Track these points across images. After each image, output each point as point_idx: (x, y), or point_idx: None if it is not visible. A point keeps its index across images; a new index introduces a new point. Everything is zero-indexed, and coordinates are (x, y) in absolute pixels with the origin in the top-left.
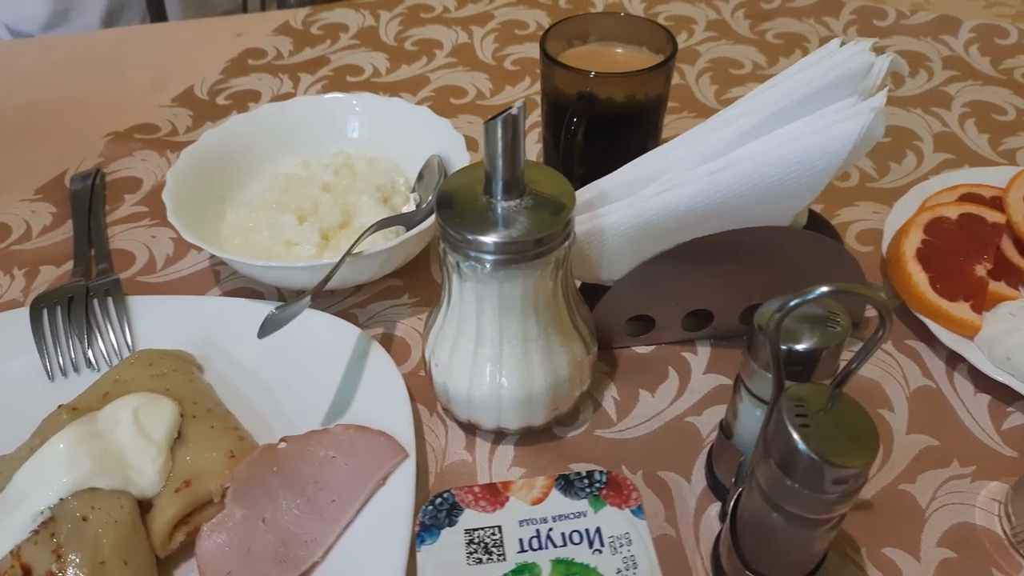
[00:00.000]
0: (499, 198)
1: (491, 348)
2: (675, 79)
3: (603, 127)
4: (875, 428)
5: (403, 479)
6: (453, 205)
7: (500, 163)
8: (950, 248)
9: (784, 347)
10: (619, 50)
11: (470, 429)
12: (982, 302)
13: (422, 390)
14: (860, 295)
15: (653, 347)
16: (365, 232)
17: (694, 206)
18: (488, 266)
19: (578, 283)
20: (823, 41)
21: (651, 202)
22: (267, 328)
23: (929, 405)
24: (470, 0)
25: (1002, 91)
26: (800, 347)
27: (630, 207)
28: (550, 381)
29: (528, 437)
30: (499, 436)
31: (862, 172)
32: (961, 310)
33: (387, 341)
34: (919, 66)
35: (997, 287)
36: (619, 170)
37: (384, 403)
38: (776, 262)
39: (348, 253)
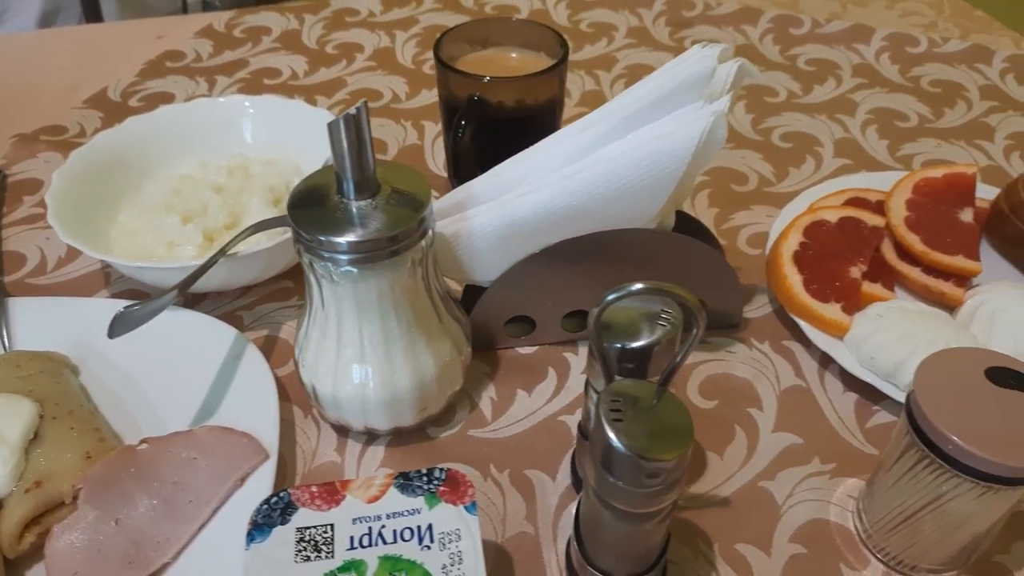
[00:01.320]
0: (351, 198)
1: (352, 349)
2: (591, 85)
3: (495, 130)
4: (691, 425)
5: (261, 480)
6: (305, 206)
7: (348, 163)
8: (827, 251)
9: (618, 345)
10: (514, 55)
11: (342, 431)
12: (854, 303)
13: (300, 391)
14: (671, 294)
15: (536, 348)
16: (242, 233)
17: (553, 208)
18: (341, 266)
19: (462, 285)
20: (740, 50)
21: (514, 204)
22: (116, 327)
23: (798, 404)
24: (396, 4)
25: (907, 98)
26: (632, 344)
27: (495, 209)
28: (415, 382)
29: (400, 438)
30: (371, 437)
31: (760, 176)
32: (832, 311)
33: (271, 343)
34: (828, 74)
35: (873, 288)
36: (489, 172)
37: (253, 404)
38: (648, 263)
39: (221, 253)
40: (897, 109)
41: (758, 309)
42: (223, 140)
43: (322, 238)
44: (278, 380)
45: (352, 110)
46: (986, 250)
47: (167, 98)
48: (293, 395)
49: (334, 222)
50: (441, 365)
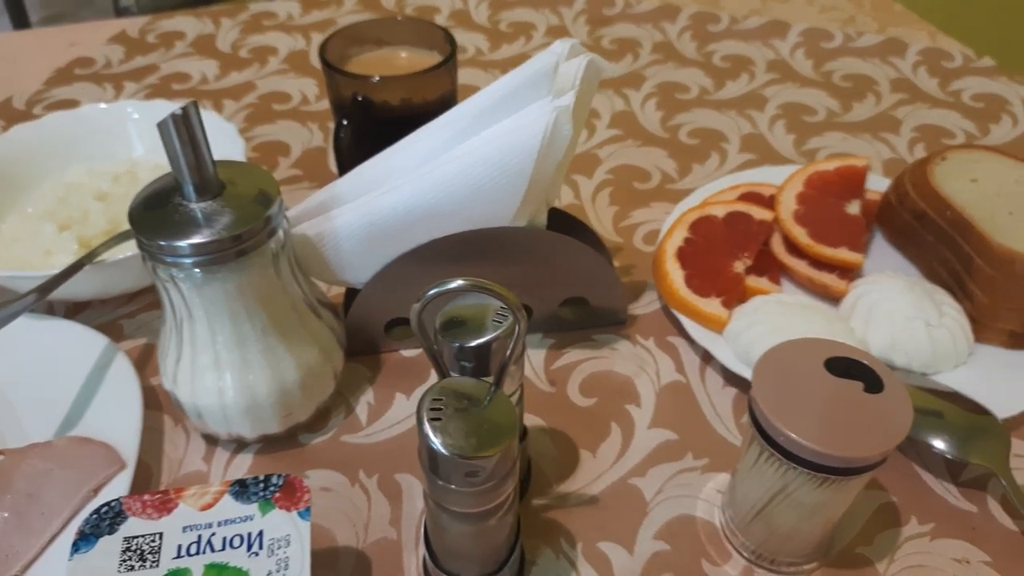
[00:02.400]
0: (192, 200)
1: (207, 355)
2: None
3: (381, 130)
4: (515, 424)
5: (117, 490)
6: (146, 210)
7: (183, 163)
8: (711, 246)
9: (456, 344)
10: (404, 54)
11: (212, 439)
12: (735, 298)
13: None
14: (490, 291)
15: (421, 350)
16: (110, 240)
17: (411, 206)
18: (185, 270)
19: (334, 287)
20: (657, 47)
21: (374, 203)
22: None
23: (676, 400)
24: (315, 7)
25: (818, 93)
26: (469, 343)
27: (356, 208)
28: (275, 388)
29: (270, 445)
30: (240, 445)
31: (663, 174)
32: (711, 306)
33: (149, 352)
34: (742, 70)
35: (758, 283)
36: (353, 171)
37: (117, 414)
38: (525, 262)
39: (88, 258)
40: (807, 104)
41: (646, 306)
42: (113, 147)
43: (162, 242)
44: (151, 389)
45: (178, 110)
46: (880, 242)
47: (71, 106)
48: (167, 404)
49: (173, 225)
50: (305, 370)
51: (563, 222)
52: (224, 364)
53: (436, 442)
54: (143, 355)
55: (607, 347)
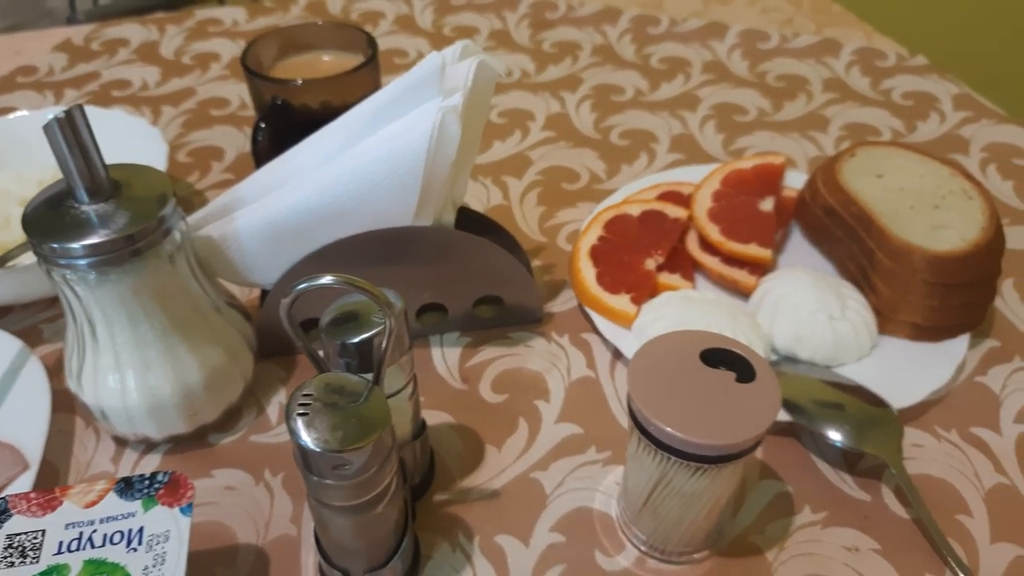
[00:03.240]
0: (84, 202)
1: (107, 356)
2: None
3: (303, 132)
4: (386, 419)
5: (19, 491)
6: (39, 213)
7: (71, 165)
8: (625, 244)
9: (338, 341)
10: (326, 58)
11: (122, 441)
12: (644, 294)
13: None
14: (359, 288)
15: None
16: (21, 245)
17: (310, 206)
18: (79, 272)
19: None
20: (597, 50)
21: (273, 204)
22: None
23: (585, 395)
24: (261, 14)
25: (751, 93)
26: (348, 340)
27: (257, 209)
28: (178, 389)
29: (179, 445)
30: (149, 446)
31: (592, 174)
32: (620, 302)
33: None
34: (679, 71)
35: (671, 279)
36: (256, 172)
37: (25, 416)
38: (434, 261)
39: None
40: (739, 104)
41: (563, 304)
42: (42, 154)
43: (54, 245)
44: (65, 393)
45: (61, 112)
46: (798, 238)
47: (8, 113)
48: (80, 406)
49: (65, 227)
50: (209, 371)
51: (477, 223)
52: (125, 365)
53: (302, 436)
54: (61, 359)
55: (522, 344)
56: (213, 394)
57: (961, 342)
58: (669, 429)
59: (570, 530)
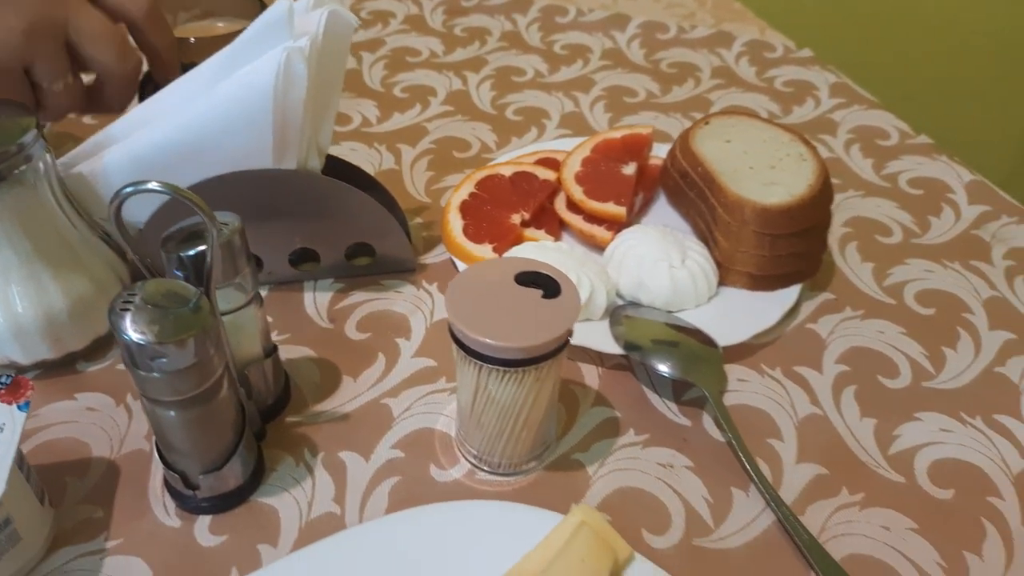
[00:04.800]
0: None
1: None
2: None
3: None
4: (207, 321)
5: None
6: None
7: None
8: (493, 200)
9: (173, 255)
10: (221, 24)
11: None
12: (506, 245)
13: None
14: (184, 198)
15: None
16: None
17: (169, 143)
18: None
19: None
20: (504, 36)
21: (137, 141)
22: None
23: (445, 334)
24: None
25: (643, 78)
26: (181, 254)
27: (122, 147)
28: (40, 314)
29: (48, 372)
30: (21, 371)
31: (483, 144)
32: (483, 251)
33: None
34: (579, 57)
35: (536, 234)
36: (127, 113)
37: None
38: (302, 206)
39: None
40: (631, 87)
41: (437, 256)
42: None
43: None
44: None
45: None
46: (663, 203)
47: None
48: None
49: None
50: (74, 300)
51: (359, 179)
52: None
53: (122, 328)
54: None
55: (392, 290)
56: (79, 323)
57: (793, 291)
58: (477, 336)
59: (410, 447)
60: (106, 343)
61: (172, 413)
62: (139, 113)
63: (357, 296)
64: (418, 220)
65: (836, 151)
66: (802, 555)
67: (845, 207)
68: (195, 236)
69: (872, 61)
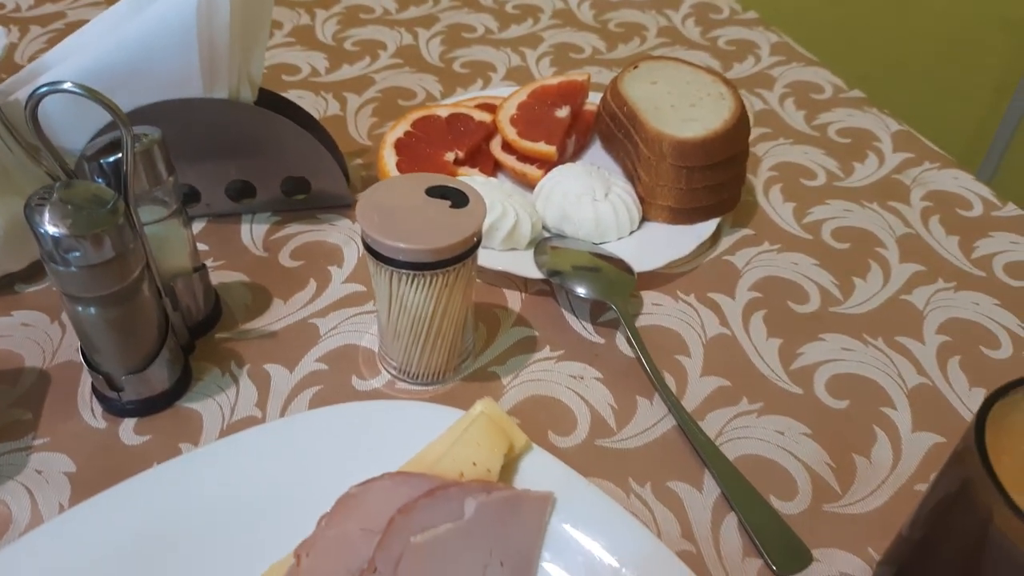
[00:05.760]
0: None
1: None
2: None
3: None
4: (117, 221)
5: None
6: None
7: None
8: (428, 139)
9: (94, 162)
10: None
11: None
12: None
13: None
14: (98, 101)
15: None
16: None
17: (99, 69)
18: None
19: None
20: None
21: (68, 68)
22: None
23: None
24: None
25: (591, 36)
26: (101, 160)
27: (55, 74)
28: None
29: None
30: None
31: (428, 93)
32: None
33: None
34: (529, 15)
35: (470, 172)
36: (61, 42)
37: None
38: (236, 137)
39: None
40: (577, 44)
41: None
42: None
43: None
44: None
45: None
46: (597, 148)
47: None
48: None
49: None
50: (9, 220)
51: (290, 111)
52: None
53: (35, 220)
54: None
55: (327, 223)
56: (15, 244)
57: (711, 224)
58: (387, 241)
59: (334, 361)
60: (43, 267)
61: (92, 311)
62: (74, 40)
63: (293, 228)
64: (358, 161)
65: (771, 104)
66: (698, 455)
67: (773, 154)
68: (116, 146)
69: (824, 26)
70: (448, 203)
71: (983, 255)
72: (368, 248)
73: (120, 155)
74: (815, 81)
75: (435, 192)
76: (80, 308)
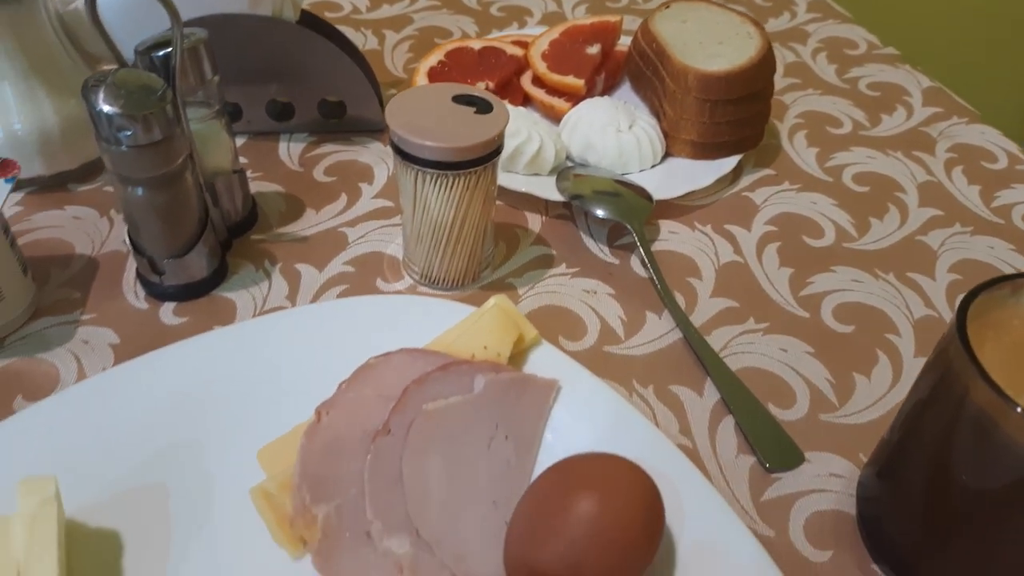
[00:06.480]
0: None
1: None
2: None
3: None
4: (165, 109)
5: None
6: None
7: None
8: (462, 70)
9: (149, 56)
10: None
11: None
12: None
13: None
14: None
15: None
16: None
17: None
18: None
19: None
20: None
21: None
22: None
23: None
24: None
25: None
26: (152, 54)
27: None
28: (34, 127)
29: (42, 189)
30: (19, 185)
31: (464, 33)
32: None
33: None
34: None
35: None
36: None
37: None
38: (277, 55)
39: None
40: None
41: None
42: None
43: None
44: None
45: None
46: (626, 89)
47: None
48: None
49: None
50: (66, 119)
51: (333, 35)
52: None
53: (91, 99)
54: None
55: (360, 145)
56: (70, 143)
57: (732, 160)
58: (413, 139)
59: (361, 265)
60: (96, 168)
61: (140, 192)
62: None
63: (328, 147)
64: (392, 92)
65: (803, 57)
66: (701, 365)
67: (801, 103)
68: (166, 44)
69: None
70: (473, 109)
71: (1003, 204)
72: (395, 148)
73: (170, 50)
74: (850, 37)
75: (462, 99)
76: (129, 189)
